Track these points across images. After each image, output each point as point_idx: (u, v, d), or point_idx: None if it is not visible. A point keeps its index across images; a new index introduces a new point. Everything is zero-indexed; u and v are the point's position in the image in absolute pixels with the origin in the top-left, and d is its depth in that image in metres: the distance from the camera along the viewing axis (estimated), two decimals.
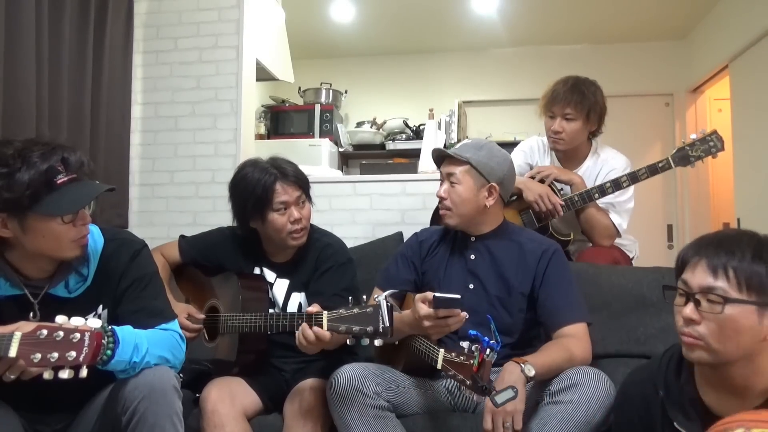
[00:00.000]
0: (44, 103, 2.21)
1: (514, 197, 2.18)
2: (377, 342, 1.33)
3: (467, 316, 1.40)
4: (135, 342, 1.25)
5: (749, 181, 3.56)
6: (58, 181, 1.22)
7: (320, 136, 4.19)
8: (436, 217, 2.15)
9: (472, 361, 1.27)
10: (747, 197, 3.60)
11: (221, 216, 1.90)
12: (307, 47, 4.60)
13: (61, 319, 1.15)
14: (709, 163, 2.06)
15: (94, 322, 1.17)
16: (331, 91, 4.52)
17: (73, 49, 2.43)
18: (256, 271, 1.88)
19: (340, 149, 4.32)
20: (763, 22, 3.35)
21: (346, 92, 4.65)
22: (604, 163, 2.24)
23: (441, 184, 1.73)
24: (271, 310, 1.82)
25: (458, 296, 1.38)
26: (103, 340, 1.17)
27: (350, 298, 1.40)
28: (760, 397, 1.06)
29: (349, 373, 1.50)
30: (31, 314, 1.30)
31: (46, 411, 1.37)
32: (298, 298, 1.84)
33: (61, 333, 1.12)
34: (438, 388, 1.66)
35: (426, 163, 3.07)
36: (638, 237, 2.39)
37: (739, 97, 3.74)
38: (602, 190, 2.11)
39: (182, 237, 2.01)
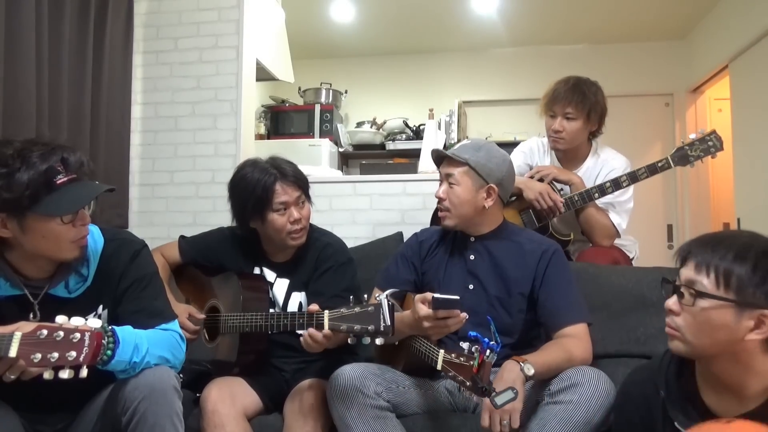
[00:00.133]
0: (44, 103, 2.21)
1: (514, 197, 2.18)
2: (378, 341, 1.34)
3: (467, 317, 1.40)
4: (135, 342, 1.25)
5: (749, 181, 3.56)
6: (58, 182, 1.22)
7: (320, 136, 4.18)
8: (437, 217, 2.15)
9: (472, 363, 1.27)
10: (747, 197, 3.60)
11: (221, 216, 1.90)
12: (307, 47, 4.60)
13: (61, 319, 1.15)
14: (709, 163, 2.07)
15: (94, 322, 1.17)
16: (331, 91, 4.52)
17: (73, 49, 2.43)
18: (256, 271, 1.88)
19: (340, 149, 4.32)
20: (763, 22, 3.35)
21: (346, 92, 4.65)
22: (604, 163, 2.24)
23: (440, 185, 1.73)
24: (271, 310, 1.82)
25: (457, 297, 1.39)
26: (103, 340, 1.17)
27: (351, 297, 1.40)
28: (758, 397, 1.06)
29: (349, 373, 1.50)
30: (31, 314, 1.30)
31: (47, 411, 1.37)
32: (298, 298, 1.85)
33: (61, 333, 1.12)
34: (438, 389, 1.66)
35: (426, 163, 3.07)
36: (638, 237, 2.39)
37: (739, 97, 3.74)
38: (602, 190, 2.11)
39: (182, 237, 2.01)
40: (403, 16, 4.32)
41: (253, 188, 1.74)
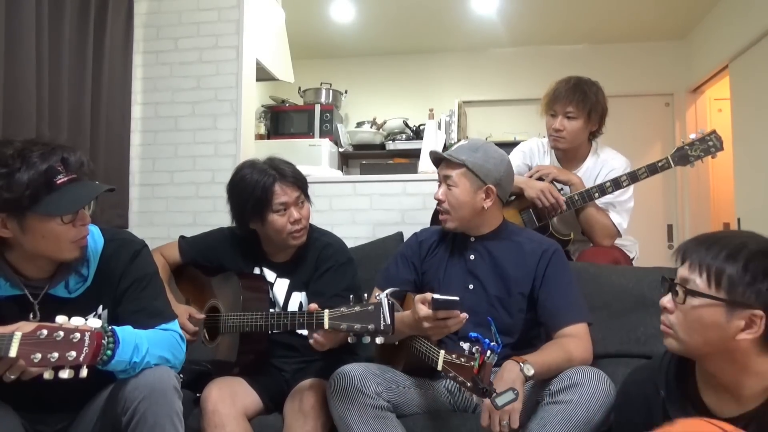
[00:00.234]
0: (44, 103, 2.21)
1: (513, 197, 2.18)
2: (378, 340, 1.34)
3: (467, 318, 1.40)
4: (135, 342, 1.25)
5: (749, 181, 3.56)
6: (58, 182, 1.22)
7: (320, 136, 4.19)
8: (437, 217, 2.15)
9: (472, 363, 1.27)
10: (747, 197, 3.60)
11: (221, 216, 1.90)
12: (307, 47, 4.60)
13: (61, 319, 1.15)
14: (709, 163, 2.07)
15: (94, 322, 1.17)
16: (331, 91, 4.52)
17: (73, 49, 2.43)
18: (256, 271, 1.88)
19: (340, 149, 4.32)
20: (763, 22, 3.35)
21: (346, 92, 4.65)
22: (604, 163, 2.24)
23: (438, 187, 1.72)
24: (271, 310, 1.82)
25: (457, 298, 1.38)
26: (103, 340, 1.17)
27: (351, 297, 1.40)
28: (757, 398, 1.06)
29: (349, 373, 1.50)
30: (31, 314, 1.30)
31: (47, 411, 1.37)
32: (298, 298, 1.84)
33: (62, 333, 1.12)
34: (438, 389, 1.66)
35: (426, 163, 3.07)
36: (638, 237, 2.39)
37: (739, 97, 3.74)
38: (602, 190, 2.11)
39: (182, 237, 2.01)
40: (403, 16, 4.32)
41: (253, 189, 1.74)
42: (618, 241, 2.23)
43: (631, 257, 2.26)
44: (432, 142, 3.49)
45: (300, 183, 1.80)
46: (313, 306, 1.45)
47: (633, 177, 2.10)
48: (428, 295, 1.39)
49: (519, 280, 1.65)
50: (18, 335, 1.11)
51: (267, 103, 4.46)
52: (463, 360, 1.30)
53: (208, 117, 2.89)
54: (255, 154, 2.77)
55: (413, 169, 3.42)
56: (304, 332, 1.77)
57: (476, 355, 1.27)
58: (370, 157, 4.37)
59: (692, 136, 2.07)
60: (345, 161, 4.58)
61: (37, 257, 1.28)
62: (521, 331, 1.66)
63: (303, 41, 4.35)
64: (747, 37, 3.52)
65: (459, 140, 3.84)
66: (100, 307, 1.38)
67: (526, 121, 4.26)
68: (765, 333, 1.01)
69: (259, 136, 4.12)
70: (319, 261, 1.84)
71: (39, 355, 1.09)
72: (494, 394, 1.26)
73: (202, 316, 1.85)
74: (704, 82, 4.33)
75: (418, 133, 4.30)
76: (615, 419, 1.30)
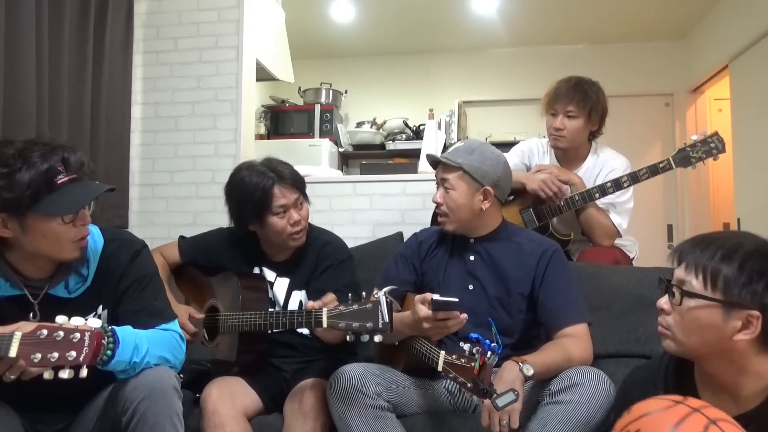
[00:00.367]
0: (44, 103, 2.21)
1: (512, 197, 2.18)
2: (377, 338, 1.33)
3: (467, 318, 1.40)
4: (135, 342, 1.25)
5: (749, 181, 3.56)
6: (59, 181, 1.22)
7: (320, 136, 4.19)
8: (437, 217, 2.15)
9: (473, 364, 1.27)
10: (747, 197, 3.60)
11: (221, 216, 1.90)
12: (307, 47, 4.60)
13: (61, 319, 1.15)
14: (709, 163, 2.06)
15: (94, 323, 1.17)
16: (331, 91, 4.52)
17: (73, 49, 2.43)
18: (256, 271, 1.88)
19: (340, 149, 4.32)
20: (763, 22, 3.35)
21: (346, 92, 4.65)
22: (604, 163, 2.24)
23: (437, 189, 1.72)
24: (271, 309, 1.82)
25: (456, 300, 1.38)
26: (103, 340, 1.17)
27: (350, 294, 1.40)
28: (755, 398, 1.06)
29: (349, 373, 1.50)
30: (31, 314, 1.30)
31: (47, 411, 1.37)
32: (299, 297, 1.85)
33: (62, 333, 1.12)
34: (438, 389, 1.66)
35: (426, 163, 3.06)
36: (638, 237, 2.39)
37: (739, 97, 3.74)
38: (603, 190, 2.11)
39: (182, 237, 2.01)
40: (403, 16, 4.31)
41: (252, 192, 1.73)
42: (618, 241, 2.23)
43: (631, 257, 2.26)
44: (432, 142, 3.49)
45: (298, 184, 1.80)
46: (310, 304, 1.45)
47: (634, 178, 2.09)
48: (428, 296, 1.39)
49: (519, 280, 1.65)
50: (18, 335, 1.11)
51: (267, 103, 4.46)
52: (463, 361, 1.30)
53: (208, 117, 2.89)
54: (255, 154, 2.78)
55: (413, 169, 3.42)
56: (305, 331, 1.78)
57: (476, 356, 1.27)
58: (370, 157, 4.37)
59: (694, 137, 2.07)
60: (345, 161, 4.58)
61: (38, 257, 1.28)
62: (521, 331, 1.66)
63: (303, 41, 4.34)
64: (747, 37, 3.52)
65: (459, 140, 3.84)
66: (100, 307, 1.38)
67: (526, 121, 4.26)
68: (762, 333, 1.02)
69: (259, 136, 4.12)
70: (319, 259, 1.84)
71: (39, 355, 1.10)
72: (494, 395, 1.26)
73: (202, 316, 1.85)
74: (704, 82, 4.33)
75: (418, 133, 4.30)
76: (615, 419, 1.30)
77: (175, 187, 2.91)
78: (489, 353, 1.26)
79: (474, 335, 1.33)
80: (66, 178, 1.23)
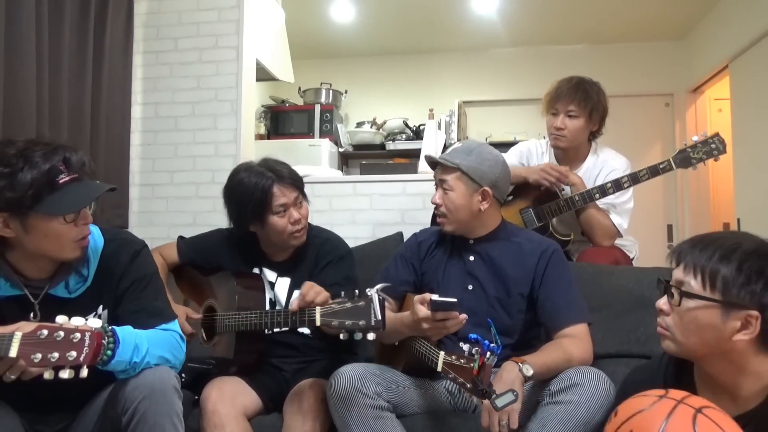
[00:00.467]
0: (44, 103, 2.21)
1: (511, 197, 2.18)
2: (370, 336, 1.33)
3: (467, 318, 1.40)
4: (135, 342, 1.26)
5: (749, 181, 3.56)
6: (60, 181, 1.22)
7: (320, 136, 4.19)
8: (437, 218, 2.15)
9: (472, 365, 1.27)
10: (747, 197, 3.60)
11: (221, 216, 1.90)
12: (307, 47, 4.60)
13: (61, 319, 1.15)
14: (710, 163, 2.06)
15: (94, 322, 1.17)
16: (331, 91, 4.53)
17: (73, 49, 2.43)
18: (256, 271, 1.88)
19: (340, 149, 4.32)
20: (763, 22, 3.35)
21: (346, 92, 4.65)
22: (604, 163, 2.24)
23: (435, 190, 1.73)
24: (266, 309, 1.81)
25: (455, 300, 1.38)
26: (103, 341, 1.17)
27: (342, 293, 1.40)
28: (755, 398, 1.06)
29: (349, 373, 1.50)
30: (32, 314, 1.30)
31: (47, 411, 1.37)
32: None
33: (62, 333, 1.12)
34: (438, 389, 1.66)
35: (426, 163, 3.07)
36: (638, 237, 2.39)
37: (739, 97, 3.74)
38: (603, 191, 2.11)
39: (181, 238, 2.01)
40: (402, 16, 4.32)
41: (252, 193, 1.73)
42: (618, 241, 2.23)
43: (631, 257, 2.26)
44: (432, 142, 3.49)
45: (297, 183, 1.80)
46: (295, 304, 1.47)
47: (634, 178, 2.09)
48: (427, 296, 1.39)
49: (518, 280, 1.65)
50: (18, 335, 1.11)
51: (267, 103, 4.46)
52: (462, 361, 1.30)
53: (208, 117, 2.89)
54: (255, 154, 2.78)
55: (413, 169, 3.42)
56: (306, 331, 1.78)
57: (476, 356, 1.27)
58: (370, 157, 4.37)
59: (695, 138, 2.06)
60: (345, 161, 4.58)
61: (38, 257, 1.29)
62: (521, 331, 1.66)
63: (303, 41, 4.35)
64: (747, 37, 3.52)
65: (459, 140, 3.84)
66: (100, 307, 1.39)
67: (526, 121, 4.27)
68: (761, 333, 1.02)
69: (259, 136, 4.13)
70: (319, 257, 1.85)
71: (39, 355, 1.10)
72: (494, 396, 1.27)
73: (199, 316, 1.85)
74: (704, 82, 4.33)
75: (418, 133, 4.30)
76: None
77: (175, 187, 2.91)
78: (488, 354, 1.27)
79: (473, 336, 1.33)
80: (67, 178, 1.23)
